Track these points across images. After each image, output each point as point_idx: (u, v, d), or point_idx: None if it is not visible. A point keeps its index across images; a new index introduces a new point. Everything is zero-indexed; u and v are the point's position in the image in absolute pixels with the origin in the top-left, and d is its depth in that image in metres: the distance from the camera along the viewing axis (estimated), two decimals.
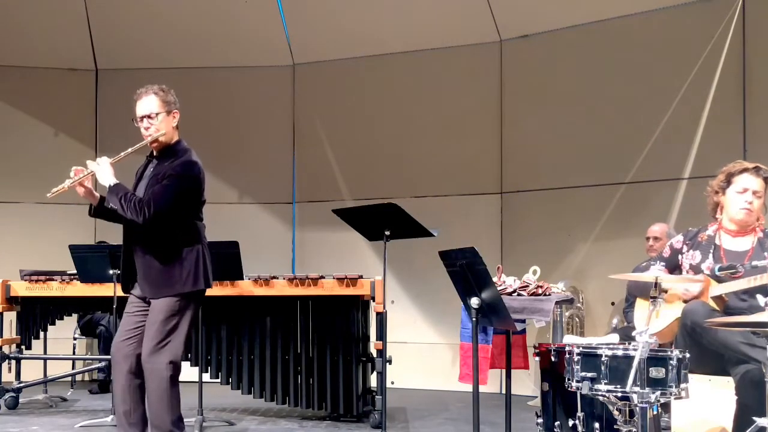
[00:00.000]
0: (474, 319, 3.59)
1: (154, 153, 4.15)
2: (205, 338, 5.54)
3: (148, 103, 4.04)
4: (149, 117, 4.03)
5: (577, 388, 3.22)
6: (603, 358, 3.14)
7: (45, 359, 6.79)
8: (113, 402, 4.18)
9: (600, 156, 6.88)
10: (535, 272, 4.48)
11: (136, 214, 3.90)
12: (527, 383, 6.74)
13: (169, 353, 3.95)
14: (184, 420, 4.09)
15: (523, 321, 4.41)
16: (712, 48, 6.30)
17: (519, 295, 4.35)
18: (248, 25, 7.90)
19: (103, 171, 4.02)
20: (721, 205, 3.96)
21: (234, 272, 5.26)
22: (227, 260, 5.08)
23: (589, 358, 3.19)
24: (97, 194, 4.18)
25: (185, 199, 4.01)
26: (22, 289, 5.97)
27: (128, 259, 4.14)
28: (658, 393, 3.09)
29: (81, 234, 7.41)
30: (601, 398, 3.23)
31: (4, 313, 5.97)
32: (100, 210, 4.21)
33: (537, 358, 3.74)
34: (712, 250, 3.91)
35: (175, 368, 3.98)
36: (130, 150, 4.09)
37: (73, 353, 7.46)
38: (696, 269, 3.92)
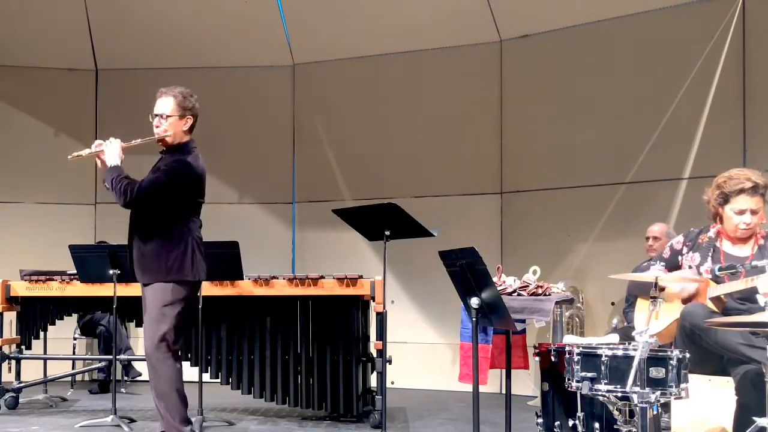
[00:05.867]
0: (474, 319, 3.59)
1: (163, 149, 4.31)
2: (205, 338, 5.53)
3: (163, 104, 4.23)
4: (161, 116, 4.21)
5: (577, 388, 3.22)
6: (603, 358, 3.14)
7: (45, 359, 6.81)
8: (156, 399, 4.19)
9: (600, 156, 6.87)
10: (535, 272, 4.48)
11: (119, 195, 4.05)
12: (527, 383, 6.74)
13: (167, 342, 4.06)
14: None
15: (523, 321, 4.41)
16: (712, 48, 6.30)
17: (519, 295, 4.35)
18: (248, 25, 7.89)
19: (111, 151, 4.18)
20: (721, 215, 3.91)
21: (234, 272, 5.27)
22: (227, 260, 5.08)
23: (589, 358, 3.19)
24: None
25: (172, 194, 4.12)
26: (22, 289, 5.97)
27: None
28: (658, 393, 3.09)
29: (81, 234, 7.42)
30: (601, 398, 3.22)
31: (4, 313, 5.98)
32: None
33: (537, 358, 3.74)
34: (711, 253, 3.89)
35: (176, 356, 4.10)
36: (139, 141, 4.29)
37: (73, 353, 7.45)
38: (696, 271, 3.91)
